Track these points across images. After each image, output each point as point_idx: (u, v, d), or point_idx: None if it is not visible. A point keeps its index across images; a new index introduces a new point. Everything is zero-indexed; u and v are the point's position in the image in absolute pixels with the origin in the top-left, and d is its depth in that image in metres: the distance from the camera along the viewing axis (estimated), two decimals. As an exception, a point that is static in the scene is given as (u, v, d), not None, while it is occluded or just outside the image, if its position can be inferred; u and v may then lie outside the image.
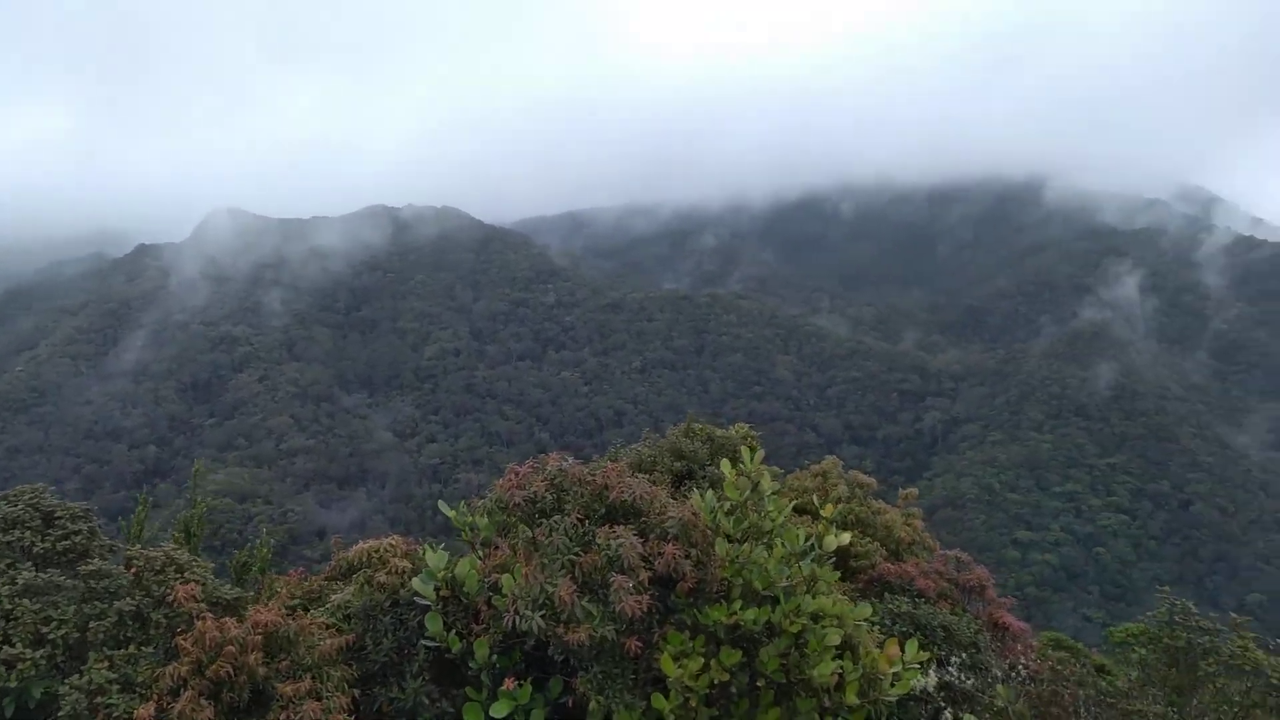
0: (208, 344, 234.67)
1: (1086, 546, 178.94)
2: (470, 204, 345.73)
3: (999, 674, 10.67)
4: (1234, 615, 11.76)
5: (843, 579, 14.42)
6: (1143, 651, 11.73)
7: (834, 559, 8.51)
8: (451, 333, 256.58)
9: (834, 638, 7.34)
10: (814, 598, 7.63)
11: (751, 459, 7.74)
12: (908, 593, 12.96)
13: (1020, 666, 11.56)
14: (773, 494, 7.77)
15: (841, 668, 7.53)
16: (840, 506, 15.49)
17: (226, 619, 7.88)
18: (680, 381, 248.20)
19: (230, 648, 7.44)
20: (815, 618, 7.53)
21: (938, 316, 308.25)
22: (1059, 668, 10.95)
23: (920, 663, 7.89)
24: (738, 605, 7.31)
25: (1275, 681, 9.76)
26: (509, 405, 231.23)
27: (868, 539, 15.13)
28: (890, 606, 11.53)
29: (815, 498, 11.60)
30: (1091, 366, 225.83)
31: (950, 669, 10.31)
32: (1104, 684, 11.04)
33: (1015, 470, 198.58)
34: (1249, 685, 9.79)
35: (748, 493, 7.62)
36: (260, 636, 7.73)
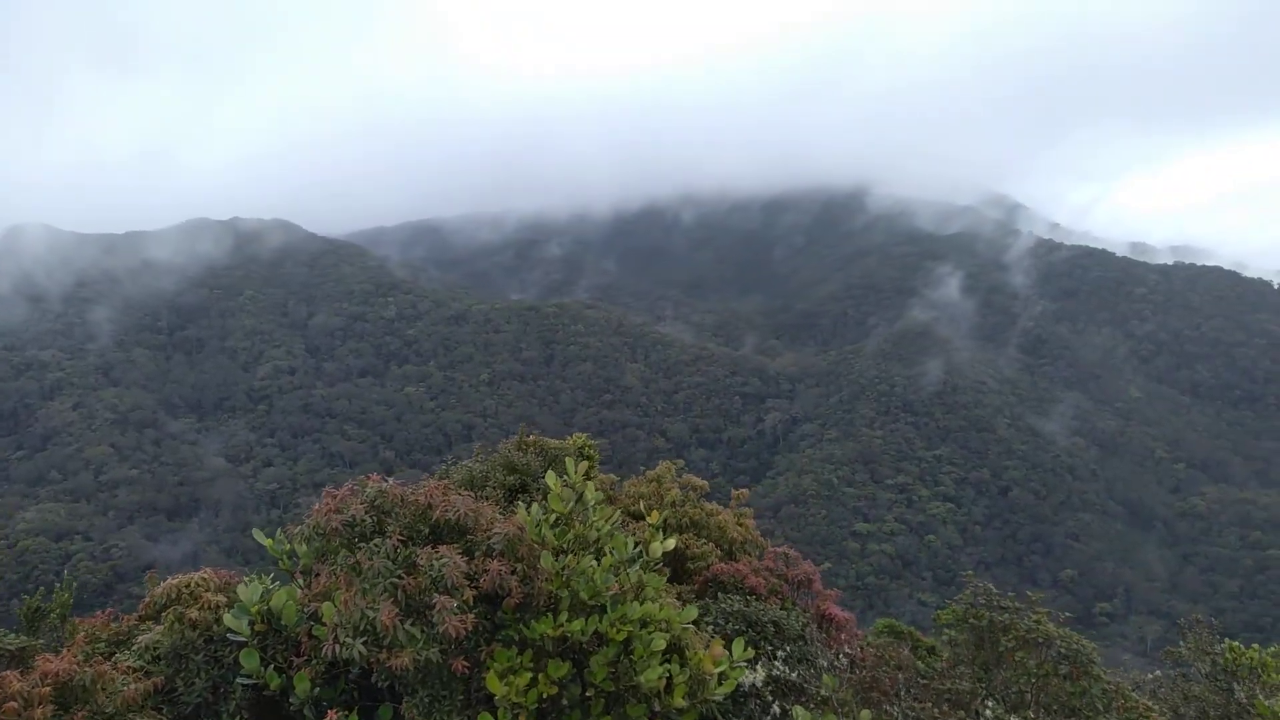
0: (12, 370, 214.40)
1: (919, 535, 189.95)
2: (304, 216, 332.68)
3: (825, 664, 11.18)
4: (1029, 593, 12.78)
5: (679, 581, 14.74)
6: (952, 633, 12.59)
7: (663, 564, 8.66)
8: (285, 350, 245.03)
9: (660, 642, 7.47)
10: (641, 604, 7.74)
11: (576, 470, 7.78)
12: (740, 591, 13.41)
13: (843, 655, 12.13)
14: (598, 504, 7.84)
15: (669, 671, 7.66)
16: (674, 510, 15.86)
17: (7, 673, 7.19)
18: (530, 393, 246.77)
19: (11, 704, 6.80)
20: (642, 624, 7.64)
21: (774, 321, 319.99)
22: (880, 654, 11.61)
23: (747, 660, 8.14)
24: (564, 617, 7.33)
25: (1063, 651, 10.73)
26: (350, 424, 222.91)
27: (702, 540, 15.54)
28: (723, 606, 11.88)
29: (643, 504, 11.80)
30: (916, 365, 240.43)
31: (777, 663, 10.73)
32: (921, 666, 11.79)
33: (851, 465, 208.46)
34: (1044, 656, 10.70)
35: (572, 504, 7.66)
36: (49, 688, 7.11)
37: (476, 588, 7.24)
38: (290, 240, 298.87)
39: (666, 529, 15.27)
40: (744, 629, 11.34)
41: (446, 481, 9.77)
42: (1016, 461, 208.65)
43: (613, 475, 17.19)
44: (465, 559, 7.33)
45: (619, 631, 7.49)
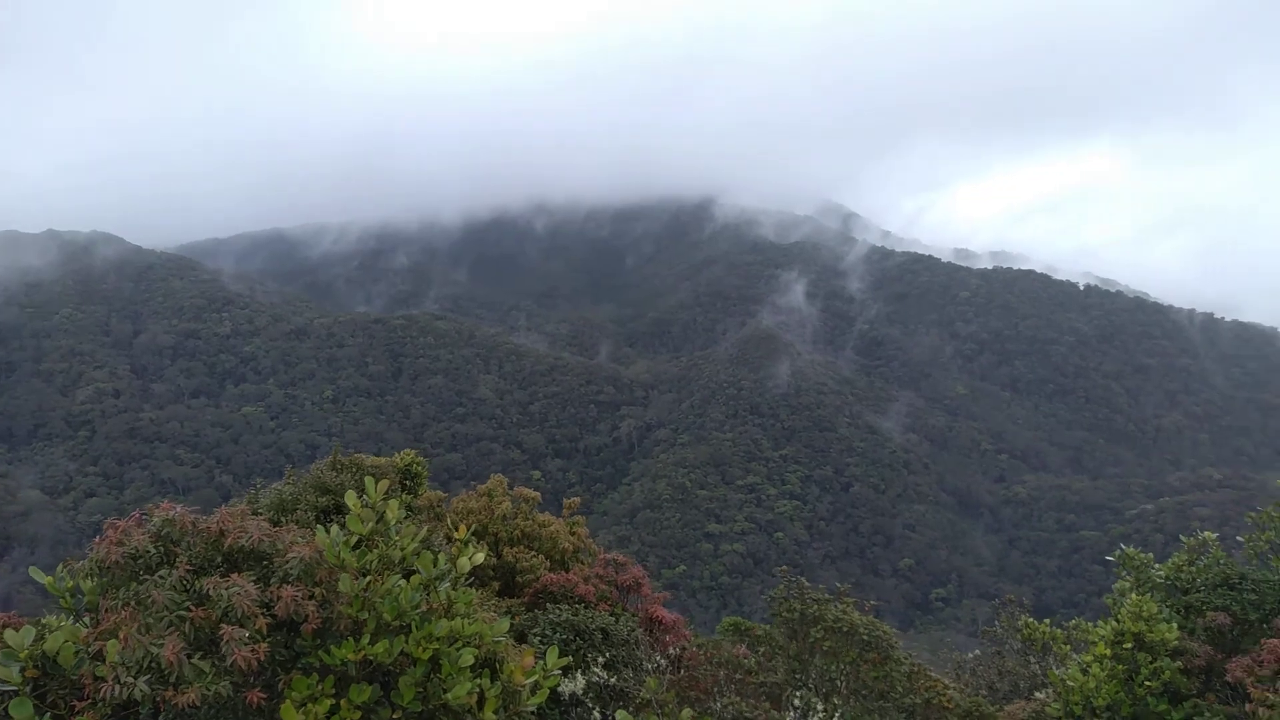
0: None
1: (768, 533, 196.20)
2: (130, 228, 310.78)
3: (650, 666, 11.44)
4: (839, 585, 13.51)
5: (511, 594, 14.71)
6: (767, 627, 13.15)
7: (495, 577, 8.63)
8: (108, 372, 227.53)
9: (468, 658, 7.45)
10: (450, 621, 7.69)
11: (376, 489, 7.66)
12: (570, 600, 13.51)
13: (663, 657, 12.44)
14: (400, 521, 7.74)
15: (481, 686, 7.65)
16: (505, 524, 15.80)
17: None
18: (378, 409, 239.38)
19: None
20: (450, 640, 7.59)
21: (627, 329, 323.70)
22: (704, 652, 12.00)
23: (564, 668, 8.22)
24: (366, 640, 7.20)
25: (866, 638, 11.44)
26: (182, 448, 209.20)
27: (532, 552, 15.56)
28: (551, 616, 11.95)
29: (472, 519, 11.71)
30: (763, 368, 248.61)
31: (597, 669, 10.90)
32: (749, 662, 12.25)
33: (703, 468, 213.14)
34: (849, 644, 11.35)
35: (372, 524, 7.53)
36: None
37: (272, 616, 7.00)
38: (114, 253, 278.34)
39: (498, 542, 15.21)
40: (572, 637, 11.44)
41: (244, 507, 9.40)
42: (857, 458, 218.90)
43: (439, 491, 16.94)
44: (259, 586, 7.08)
45: (425, 650, 7.41)
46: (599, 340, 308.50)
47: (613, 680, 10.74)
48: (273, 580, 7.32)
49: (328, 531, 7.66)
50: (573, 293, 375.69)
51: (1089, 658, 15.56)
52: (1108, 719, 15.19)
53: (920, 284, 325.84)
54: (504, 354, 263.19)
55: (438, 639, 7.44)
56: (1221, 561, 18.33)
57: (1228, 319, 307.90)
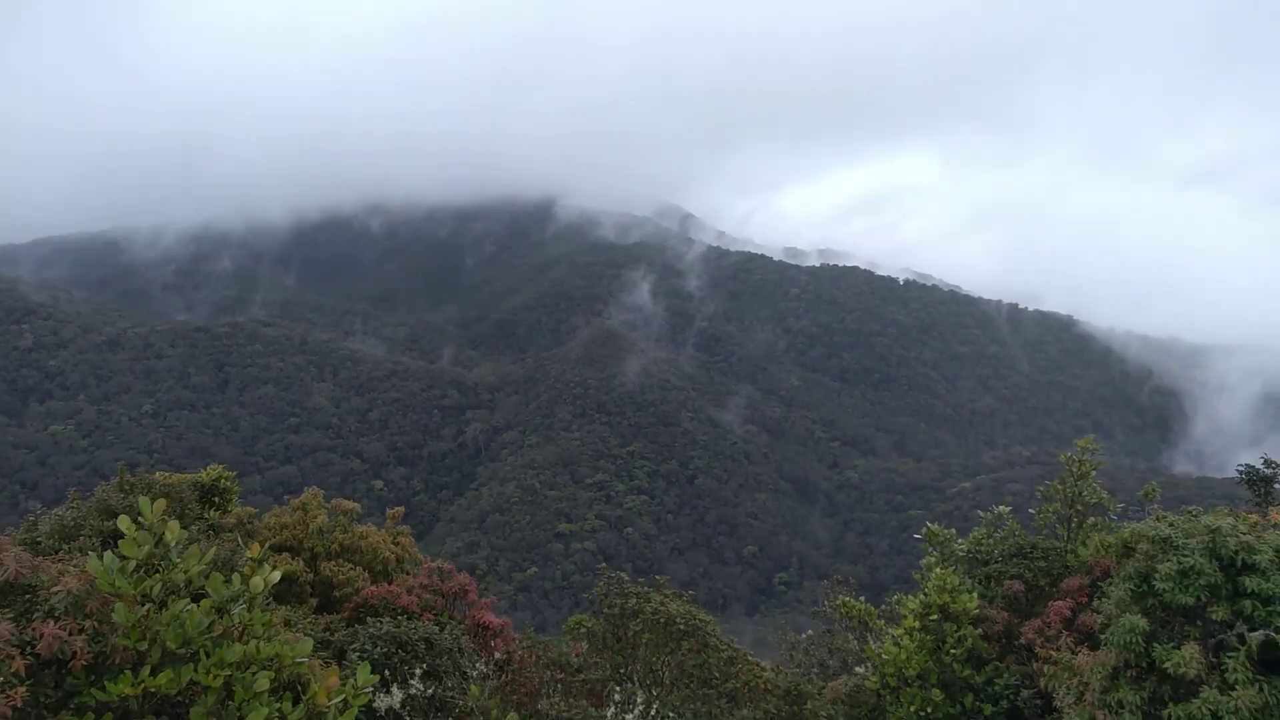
0: None
1: (618, 529, 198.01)
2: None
3: (474, 673, 11.28)
4: (658, 578, 13.80)
5: (329, 610, 14.16)
6: (589, 624, 13.30)
7: (311, 594, 8.24)
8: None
9: (264, 682, 7.09)
10: (245, 644, 7.30)
11: (153, 510, 7.15)
12: (392, 612, 13.15)
13: (486, 663, 12.32)
14: (183, 543, 7.27)
15: (281, 710, 7.31)
16: (321, 538, 15.18)
17: None
18: (204, 422, 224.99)
19: None
20: (244, 666, 7.21)
21: (470, 331, 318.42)
22: (533, 654, 11.96)
23: (381, 683, 7.96)
24: (146, 672, 6.72)
25: (684, 628, 11.77)
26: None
27: (351, 566, 15.02)
28: (371, 630, 11.57)
29: (287, 535, 11.16)
30: (608, 367, 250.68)
31: (415, 682, 10.66)
32: (569, 660, 12.32)
33: (552, 469, 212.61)
34: (668, 635, 11.64)
35: (149, 547, 7.04)
36: None
37: (35, 655, 6.42)
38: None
39: (314, 558, 14.60)
40: (394, 650, 11.12)
41: (7, 537, 8.60)
42: (700, 451, 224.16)
43: (251, 508, 16.05)
44: (18, 624, 6.49)
45: (216, 678, 7.00)
46: (441, 343, 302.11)
47: (431, 691, 10.50)
48: (35, 615, 6.72)
49: (101, 559, 7.11)
50: (411, 295, 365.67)
51: (900, 631, 16.57)
52: (919, 687, 16.21)
53: (754, 282, 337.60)
54: (339, 360, 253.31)
55: (230, 664, 7.05)
56: (1016, 533, 19.93)
57: (1030, 309, 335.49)
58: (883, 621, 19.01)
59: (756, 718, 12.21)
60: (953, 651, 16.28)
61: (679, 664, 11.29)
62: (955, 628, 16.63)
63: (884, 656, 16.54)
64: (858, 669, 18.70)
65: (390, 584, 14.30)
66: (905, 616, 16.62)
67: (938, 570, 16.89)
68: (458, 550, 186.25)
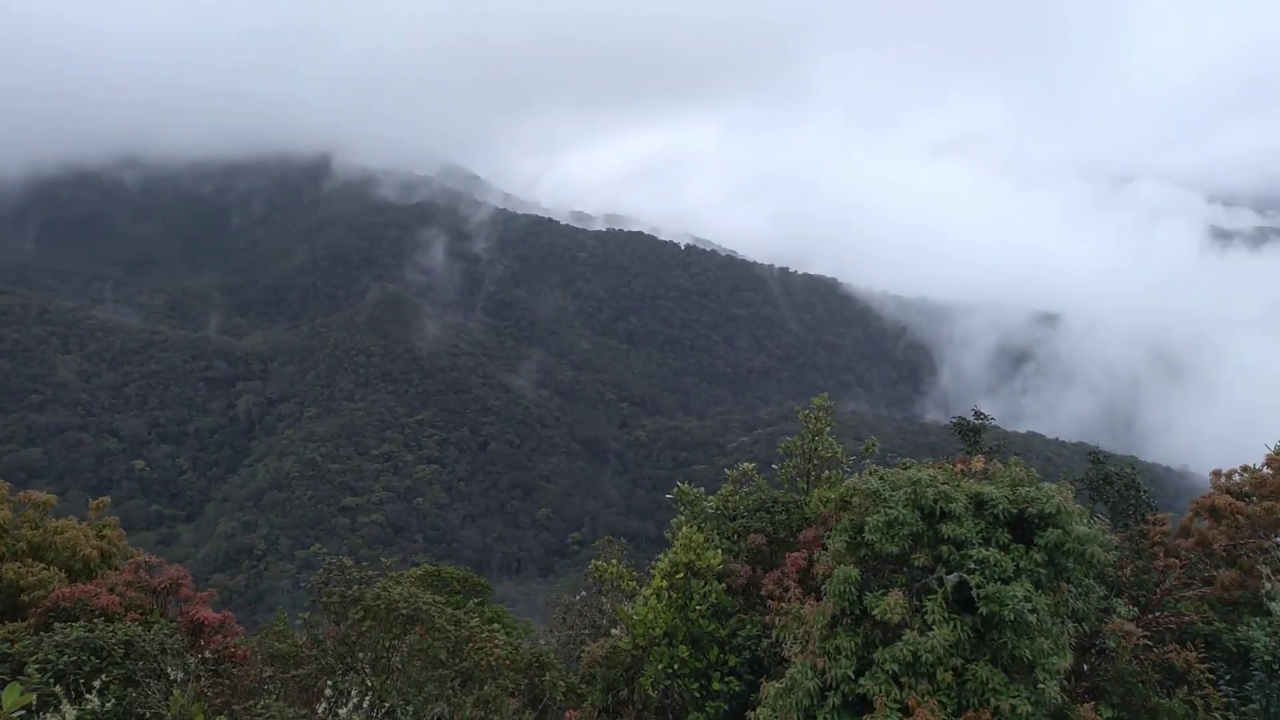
0: None
1: (407, 500, 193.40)
2: None
3: (180, 676, 10.43)
4: (384, 559, 13.41)
5: (13, 617, 12.66)
6: (306, 614, 12.73)
7: None
8: None
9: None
10: None
11: None
12: (89, 614, 11.89)
13: (200, 662, 11.46)
14: None
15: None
16: (7, 535, 13.48)
17: None
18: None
19: None
20: None
21: (237, 298, 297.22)
22: (256, 650, 11.22)
23: (48, 701, 7.09)
24: None
25: (407, 612, 11.49)
26: None
27: (43, 566, 13.48)
28: (58, 638, 10.38)
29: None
30: (392, 334, 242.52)
31: (91, 696, 9.71)
32: (293, 654, 11.69)
33: (335, 441, 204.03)
34: (391, 621, 11.33)
35: None
36: None
37: None
38: None
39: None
40: (86, 658, 10.04)
41: None
42: (493, 418, 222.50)
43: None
44: None
45: None
46: (205, 311, 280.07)
47: (111, 704, 9.57)
48: None
49: None
50: (168, 258, 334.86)
51: (649, 591, 17.08)
52: (667, 645, 16.80)
53: (543, 245, 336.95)
54: (86, 330, 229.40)
55: None
56: (761, 489, 21.01)
57: (799, 272, 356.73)
58: (635, 583, 19.58)
59: (490, 694, 12.18)
60: (698, 608, 16.98)
61: (408, 649, 10.97)
62: (702, 584, 17.33)
63: (634, 617, 17.00)
64: (613, 630, 19.18)
65: (91, 583, 12.92)
66: (654, 576, 17.14)
67: (684, 529, 17.52)
68: (233, 530, 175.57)
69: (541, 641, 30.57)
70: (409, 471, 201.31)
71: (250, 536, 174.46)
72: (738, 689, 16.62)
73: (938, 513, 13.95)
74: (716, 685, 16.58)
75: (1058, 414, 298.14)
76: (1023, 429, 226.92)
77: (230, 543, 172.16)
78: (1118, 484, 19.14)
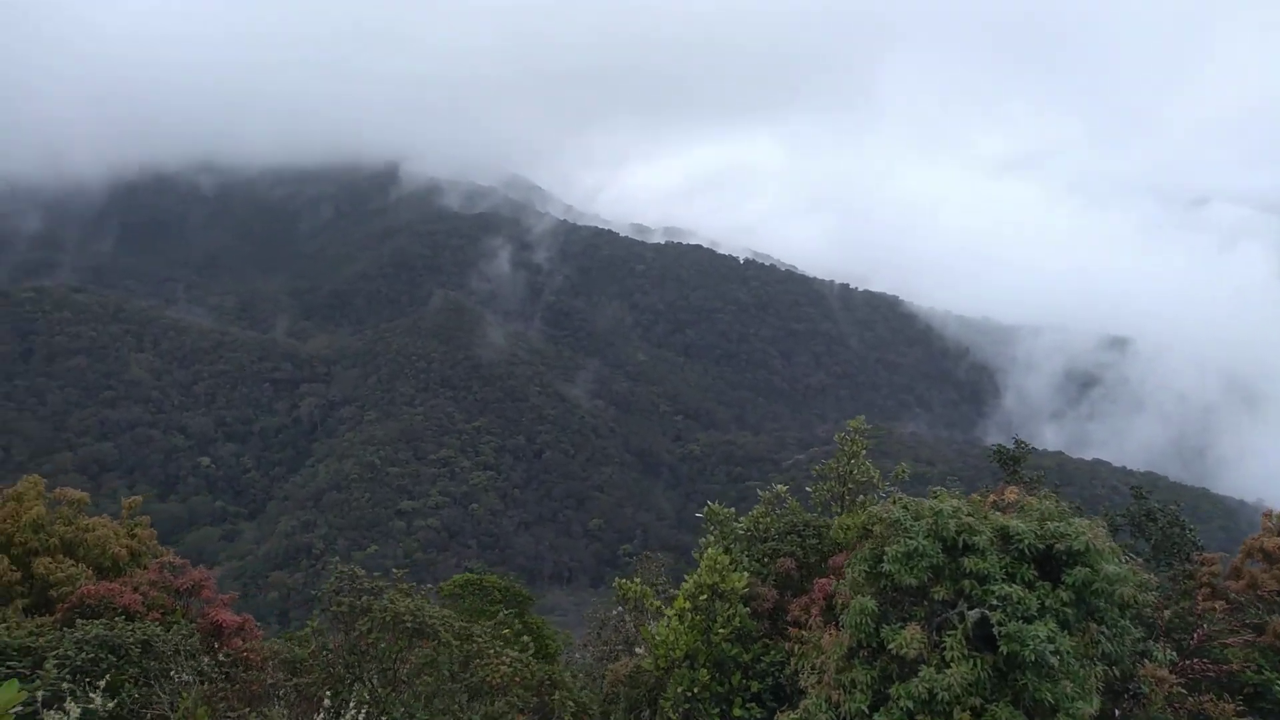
0: None
1: (463, 505, 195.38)
2: None
3: (188, 679, 10.67)
4: (395, 570, 13.53)
5: (42, 612, 13.10)
6: (315, 622, 12.90)
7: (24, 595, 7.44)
8: None
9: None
10: None
11: None
12: (112, 612, 12.26)
13: (214, 665, 11.72)
14: None
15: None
16: (39, 533, 13.98)
17: None
18: (6, 396, 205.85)
19: None
20: None
21: (304, 301, 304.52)
22: (271, 655, 11.44)
23: (22, 703, 7.33)
24: None
25: (412, 625, 11.61)
26: None
27: (73, 562, 13.94)
28: (78, 635, 10.73)
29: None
30: (453, 340, 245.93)
31: (96, 695, 9.95)
32: (303, 661, 11.88)
33: (394, 445, 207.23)
34: (398, 633, 11.43)
35: None
36: None
37: None
38: None
39: (27, 554, 13.46)
40: (104, 655, 10.35)
41: None
42: (548, 426, 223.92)
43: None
44: None
45: None
46: (272, 314, 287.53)
47: (114, 705, 9.83)
48: None
49: None
50: (239, 261, 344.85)
51: (672, 612, 16.96)
52: (688, 667, 16.65)
53: (602, 257, 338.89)
54: (160, 330, 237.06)
55: None
56: (794, 511, 20.73)
57: (860, 289, 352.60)
58: (659, 602, 19.47)
59: (498, 712, 12.20)
60: (721, 630, 16.79)
61: (416, 661, 11.07)
62: (726, 606, 17.14)
63: (657, 637, 16.89)
64: (637, 649, 19.10)
65: (117, 581, 13.32)
66: (677, 597, 17.01)
67: (710, 550, 17.36)
68: (293, 529, 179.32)
69: (576, 655, 30.60)
70: (465, 477, 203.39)
71: (309, 536, 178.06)
72: (759, 716, 16.38)
73: (960, 545, 13.61)
74: (738, 712, 16.35)
75: (1126, 441, 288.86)
76: (1089, 456, 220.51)
77: (290, 541, 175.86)
78: (1161, 521, 18.44)
